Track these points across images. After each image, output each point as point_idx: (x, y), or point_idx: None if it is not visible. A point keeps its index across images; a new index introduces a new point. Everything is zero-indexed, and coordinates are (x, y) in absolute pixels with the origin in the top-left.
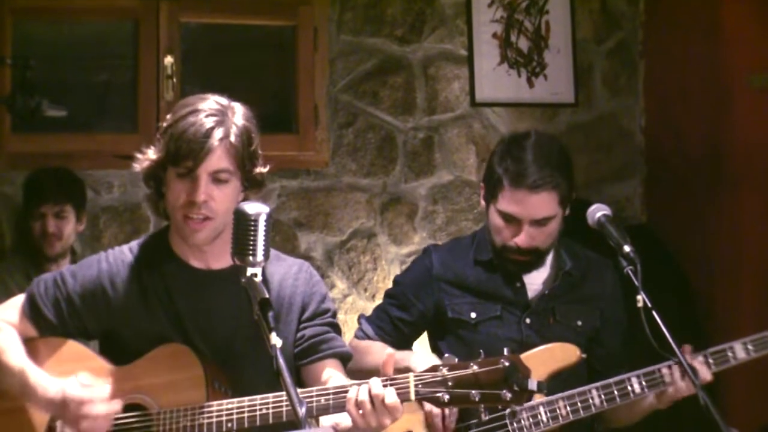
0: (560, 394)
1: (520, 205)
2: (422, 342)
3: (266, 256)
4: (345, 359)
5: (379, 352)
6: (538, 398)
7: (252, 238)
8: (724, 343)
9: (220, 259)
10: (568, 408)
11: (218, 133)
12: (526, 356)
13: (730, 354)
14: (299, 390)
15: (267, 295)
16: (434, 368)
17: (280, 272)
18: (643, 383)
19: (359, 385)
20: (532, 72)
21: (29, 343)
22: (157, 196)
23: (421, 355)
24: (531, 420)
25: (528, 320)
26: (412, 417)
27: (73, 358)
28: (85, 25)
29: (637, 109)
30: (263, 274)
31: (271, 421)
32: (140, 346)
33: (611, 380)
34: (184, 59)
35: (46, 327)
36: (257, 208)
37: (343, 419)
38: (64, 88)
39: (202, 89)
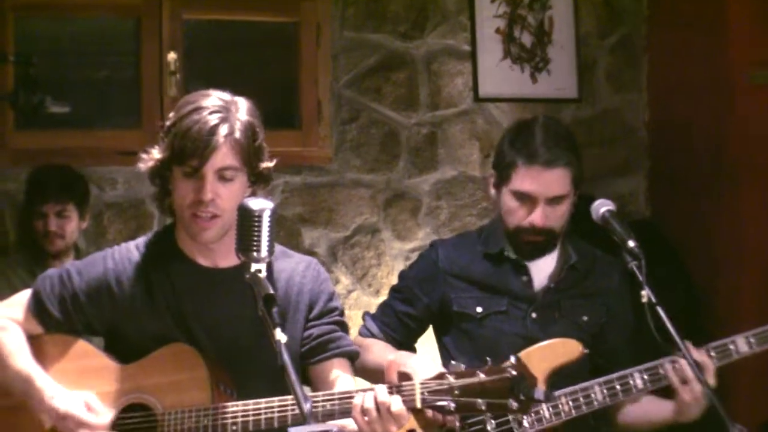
0: (563, 390)
1: (535, 182)
2: (426, 341)
3: (271, 251)
4: (353, 358)
5: (380, 350)
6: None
7: (256, 233)
8: (726, 337)
9: (228, 256)
10: (571, 404)
11: (222, 130)
12: (528, 351)
13: (732, 348)
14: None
15: (271, 291)
16: (441, 376)
17: (287, 270)
18: (646, 378)
19: (365, 391)
20: (535, 67)
21: (34, 340)
22: (162, 195)
23: (420, 357)
24: (533, 416)
25: (534, 315)
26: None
27: (77, 356)
28: (87, 22)
29: (640, 105)
30: (271, 271)
31: (276, 425)
32: (145, 345)
33: (613, 375)
34: (186, 55)
35: (52, 324)
36: (261, 204)
37: (349, 423)
38: (66, 84)
39: (205, 85)
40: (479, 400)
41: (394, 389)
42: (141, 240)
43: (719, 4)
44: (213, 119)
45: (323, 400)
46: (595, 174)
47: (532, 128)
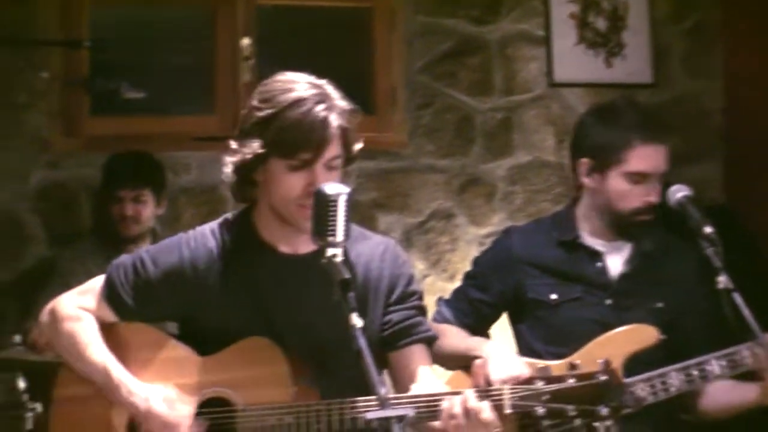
0: (639, 377)
1: (653, 160)
2: (500, 328)
3: (347, 236)
4: (431, 343)
5: (454, 336)
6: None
7: (332, 218)
8: None
9: (308, 243)
10: (647, 390)
11: (333, 121)
12: (604, 338)
13: None
14: (390, 396)
15: (347, 276)
16: (530, 380)
17: (365, 254)
18: (723, 364)
19: (453, 395)
20: (609, 52)
21: (109, 328)
22: (245, 185)
23: (494, 344)
24: None
25: (609, 301)
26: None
27: (154, 346)
28: (162, 8)
29: (716, 90)
30: (349, 255)
31: (360, 424)
32: (223, 333)
33: (690, 362)
34: (260, 41)
35: (126, 312)
36: (337, 189)
37: None
38: (141, 70)
39: (279, 70)
40: (569, 407)
41: (483, 394)
42: (215, 225)
43: None
44: (320, 111)
45: (408, 402)
46: (669, 159)
47: (623, 107)
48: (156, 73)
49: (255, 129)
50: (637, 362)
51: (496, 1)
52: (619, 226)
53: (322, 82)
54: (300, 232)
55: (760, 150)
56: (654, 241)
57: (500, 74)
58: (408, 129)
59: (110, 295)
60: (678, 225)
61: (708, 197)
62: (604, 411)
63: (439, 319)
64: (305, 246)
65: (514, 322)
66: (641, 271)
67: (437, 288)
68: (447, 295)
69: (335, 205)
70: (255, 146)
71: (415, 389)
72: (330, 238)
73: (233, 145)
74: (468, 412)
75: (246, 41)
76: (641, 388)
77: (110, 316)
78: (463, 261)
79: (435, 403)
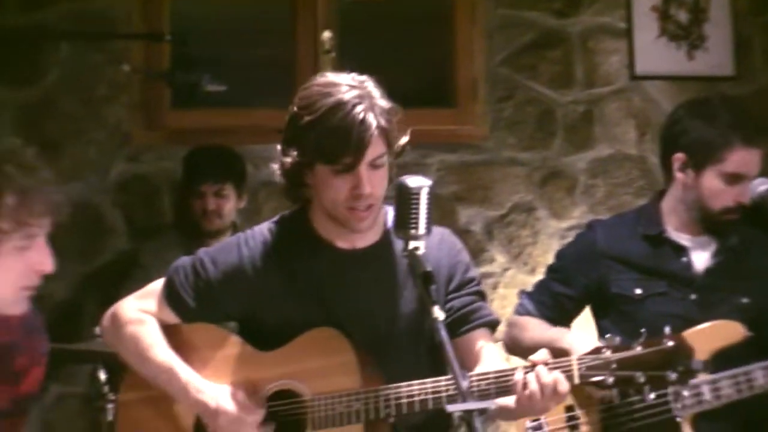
0: (724, 373)
1: (751, 163)
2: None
3: (429, 229)
4: (494, 327)
5: (536, 328)
6: (701, 377)
7: (414, 211)
8: None
9: (365, 237)
10: (732, 387)
11: (372, 123)
12: (689, 333)
13: None
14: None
15: (429, 268)
16: (597, 350)
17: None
18: None
19: (525, 368)
20: (691, 45)
21: (169, 330)
22: (296, 189)
23: (576, 334)
24: (695, 399)
25: (693, 296)
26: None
27: (218, 344)
28: (242, 1)
29: None
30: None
31: (430, 406)
32: (285, 331)
33: None
34: (341, 34)
35: (188, 314)
36: (419, 182)
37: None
38: (222, 63)
39: (360, 64)
40: (637, 373)
41: (552, 365)
42: (271, 224)
43: None
44: (359, 113)
45: (477, 380)
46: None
47: (728, 106)
48: (237, 66)
49: (296, 137)
50: (722, 358)
51: None
52: (707, 222)
53: (363, 78)
54: (354, 232)
55: None
56: (739, 237)
57: (581, 67)
58: (489, 122)
59: (171, 296)
60: (760, 218)
61: None
62: (672, 376)
63: (522, 311)
64: (362, 241)
65: (598, 317)
66: (727, 266)
67: (518, 281)
68: (528, 288)
69: (417, 198)
70: (298, 154)
71: (483, 369)
72: (412, 231)
73: (278, 151)
74: (542, 385)
75: (327, 34)
76: (726, 384)
77: (172, 318)
78: (543, 254)
79: (504, 378)
